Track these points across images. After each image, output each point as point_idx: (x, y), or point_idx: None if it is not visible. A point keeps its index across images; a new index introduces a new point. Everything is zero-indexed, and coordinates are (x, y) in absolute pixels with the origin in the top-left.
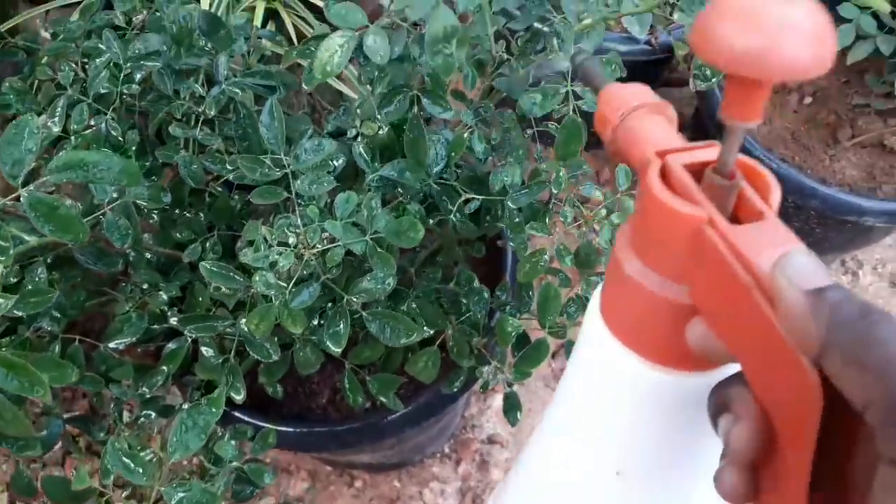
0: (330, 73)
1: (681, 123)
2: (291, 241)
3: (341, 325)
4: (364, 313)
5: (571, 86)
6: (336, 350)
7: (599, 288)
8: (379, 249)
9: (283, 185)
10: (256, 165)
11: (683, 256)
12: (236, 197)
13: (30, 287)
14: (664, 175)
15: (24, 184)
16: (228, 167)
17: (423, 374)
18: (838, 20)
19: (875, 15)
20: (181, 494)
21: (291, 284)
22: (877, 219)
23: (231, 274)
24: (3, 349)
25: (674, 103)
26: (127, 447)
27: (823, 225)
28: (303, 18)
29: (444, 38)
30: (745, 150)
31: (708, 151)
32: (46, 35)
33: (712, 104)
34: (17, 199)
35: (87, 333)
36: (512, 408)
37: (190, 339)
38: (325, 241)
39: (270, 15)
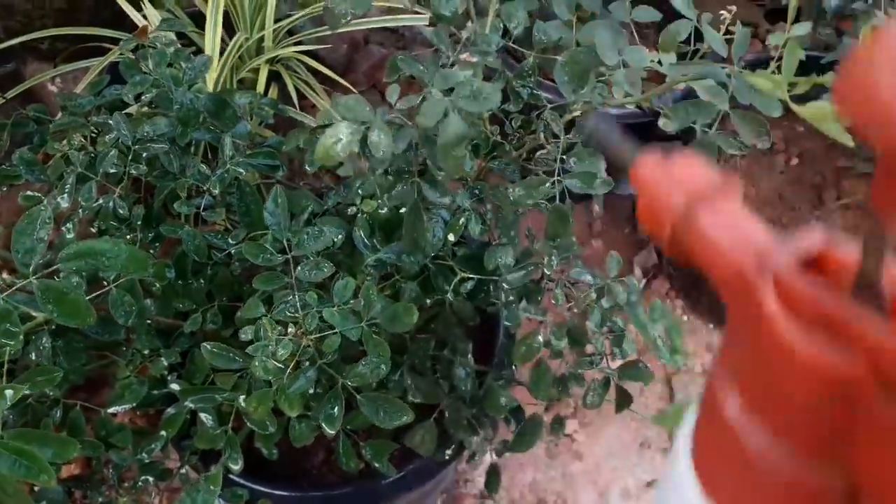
0: (331, 161)
1: None
2: (291, 330)
3: (336, 409)
4: (359, 397)
5: (558, 177)
6: (331, 432)
7: (690, 420)
8: (374, 336)
9: (284, 265)
10: (259, 251)
11: (831, 425)
12: (237, 263)
13: (33, 356)
14: (779, 295)
15: (35, 270)
16: (231, 241)
17: (422, 448)
18: (821, 89)
19: None
20: None
21: (289, 369)
22: None
23: (231, 355)
24: (7, 427)
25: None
26: None
27: None
28: (304, 81)
29: (456, 143)
30: None
31: (814, 237)
32: (54, 89)
33: None
34: (28, 284)
35: (88, 394)
36: (492, 478)
37: (189, 405)
38: (322, 328)
39: (273, 77)
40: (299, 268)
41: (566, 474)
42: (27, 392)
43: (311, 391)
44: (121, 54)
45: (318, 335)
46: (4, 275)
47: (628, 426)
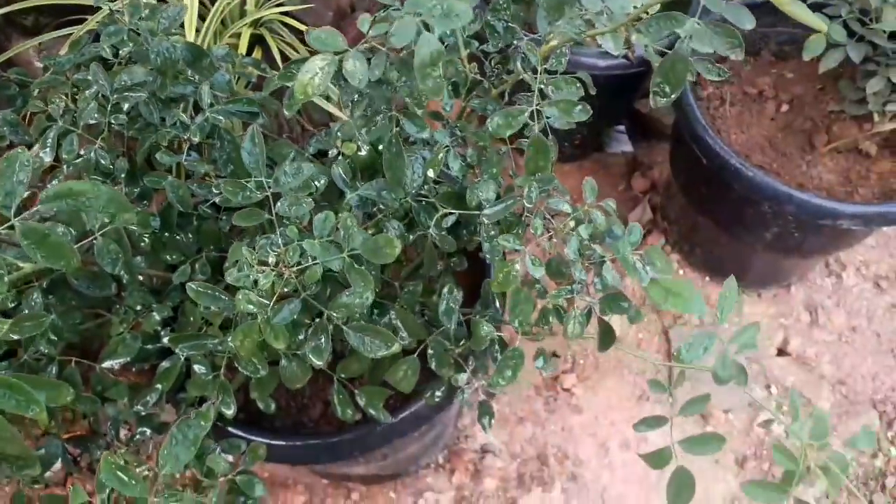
0: (310, 95)
1: (663, 133)
2: (271, 260)
3: (322, 339)
4: (345, 327)
5: (538, 105)
6: (318, 363)
7: None
8: (356, 266)
9: (266, 207)
10: (239, 189)
11: None
12: (224, 219)
13: (26, 311)
14: None
15: (17, 213)
16: (214, 191)
17: (403, 384)
18: (810, 29)
19: (845, 24)
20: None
21: (273, 302)
22: (852, 222)
23: (217, 294)
24: (2, 372)
25: (655, 112)
26: (122, 462)
27: (801, 229)
28: (289, 44)
29: (431, 62)
30: (719, 158)
31: None
32: (39, 65)
33: (688, 116)
34: (11, 227)
35: (84, 356)
36: (484, 414)
37: (183, 358)
38: (305, 260)
39: (257, 41)
40: (279, 203)
41: (565, 428)
42: (15, 337)
43: (301, 333)
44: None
45: (300, 268)
46: None
47: (625, 380)
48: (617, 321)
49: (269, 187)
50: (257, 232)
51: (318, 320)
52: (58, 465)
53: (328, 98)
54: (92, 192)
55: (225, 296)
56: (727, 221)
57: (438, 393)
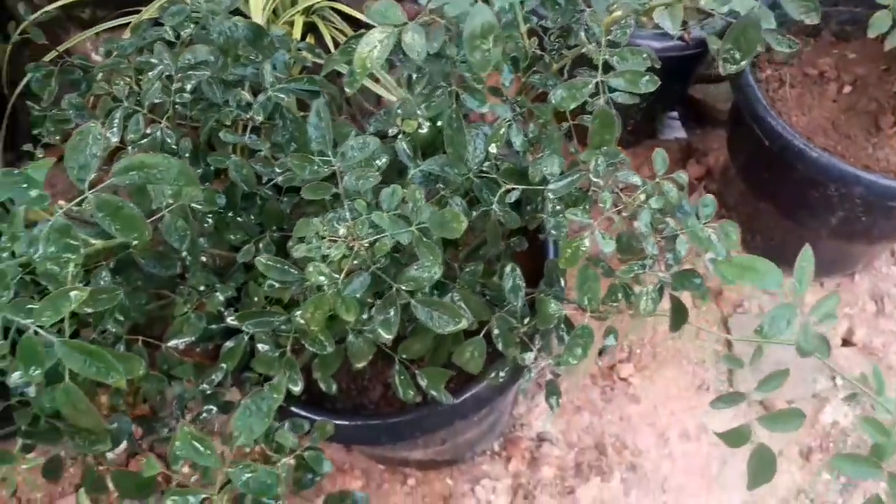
0: (369, 69)
1: (721, 121)
2: (342, 232)
3: (391, 312)
4: (412, 300)
5: (602, 77)
6: (388, 336)
7: None
8: (424, 239)
9: (331, 183)
10: (306, 164)
11: None
12: (285, 200)
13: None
14: None
15: (90, 188)
16: (277, 170)
17: (470, 364)
18: (873, 7)
19: None
20: (247, 475)
21: (343, 275)
22: None
23: (286, 267)
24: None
25: (709, 98)
26: (197, 433)
27: (869, 212)
28: (340, 31)
29: (482, 34)
30: (782, 139)
31: None
32: (97, 57)
33: (749, 97)
34: (80, 204)
35: (148, 335)
36: (552, 394)
37: (247, 338)
38: (372, 234)
39: (309, 29)
40: (346, 177)
41: (623, 417)
42: (89, 310)
43: (367, 309)
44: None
45: (369, 240)
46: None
47: (684, 369)
48: None
49: (335, 163)
50: (320, 211)
51: (387, 294)
52: (121, 447)
53: (377, 80)
54: (163, 164)
55: (294, 269)
56: (790, 206)
57: (502, 373)
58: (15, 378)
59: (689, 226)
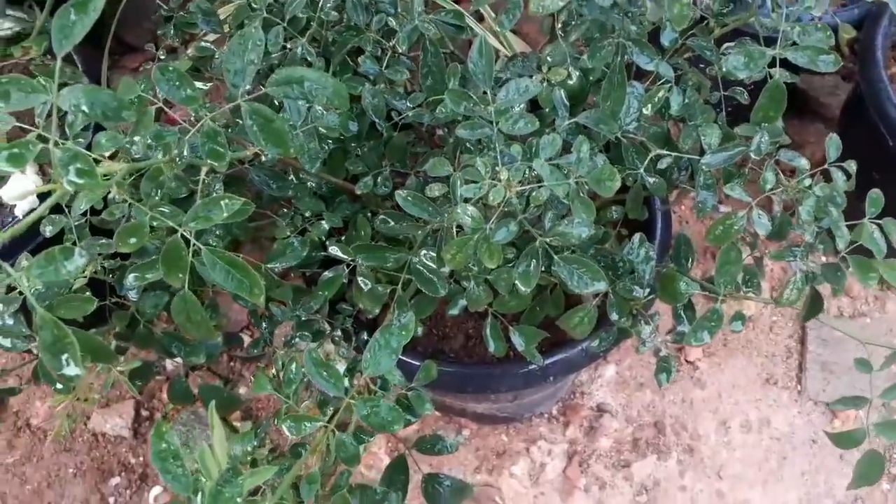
0: (549, 9)
1: (822, 114)
2: (504, 176)
3: (532, 265)
4: (556, 257)
5: (780, 50)
6: (525, 289)
7: None
8: (581, 194)
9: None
10: (462, 100)
11: None
12: (403, 137)
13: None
14: None
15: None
16: (409, 104)
17: (578, 329)
18: None
19: None
20: (370, 408)
21: (491, 221)
22: None
23: (425, 205)
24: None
25: (815, 91)
26: (320, 357)
27: None
28: None
29: None
30: None
31: None
32: None
33: (878, 93)
34: (235, 110)
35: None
36: (662, 370)
37: (347, 270)
38: (529, 181)
39: None
40: (502, 119)
41: (686, 400)
42: (223, 221)
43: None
44: None
45: (523, 188)
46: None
47: (753, 361)
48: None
49: (493, 101)
50: (438, 153)
51: (531, 246)
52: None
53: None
54: (319, 81)
55: (431, 208)
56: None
57: (605, 342)
58: (130, 280)
59: (835, 218)
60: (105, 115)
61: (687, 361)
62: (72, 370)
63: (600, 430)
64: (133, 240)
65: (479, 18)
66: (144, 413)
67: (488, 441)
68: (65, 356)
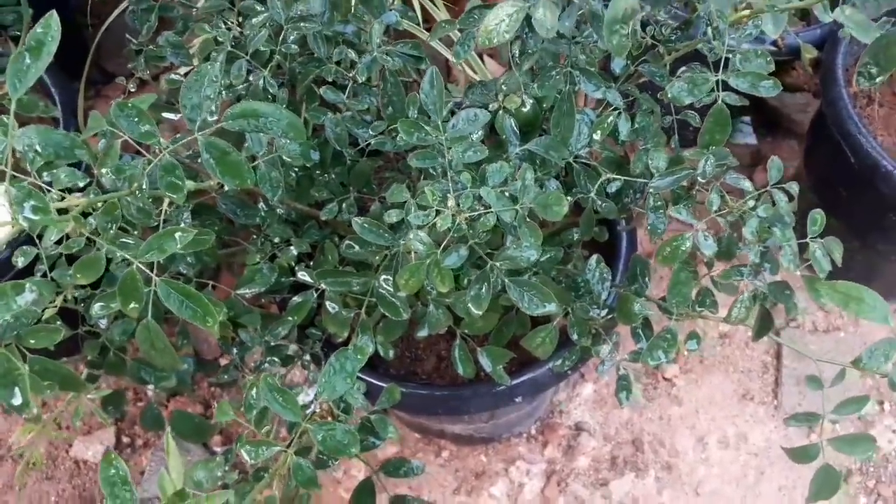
0: (493, 42)
1: (794, 131)
2: (451, 203)
3: (484, 289)
4: (507, 280)
5: (722, 75)
6: (477, 312)
7: None
8: (528, 219)
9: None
10: (415, 129)
11: None
12: (368, 163)
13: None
14: None
15: (200, 127)
16: (371, 132)
17: (540, 350)
18: None
19: None
20: (324, 432)
21: (442, 247)
22: None
23: (381, 231)
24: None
25: (785, 107)
26: (278, 384)
27: None
28: (432, 1)
29: (623, 19)
30: (871, 158)
31: None
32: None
33: (840, 112)
34: (188, 145)
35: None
36: (623, 388)
37: (315, 295)
38: (477, 208)
39: None
40: (454, 149)
41: (663, 417)
42: (180, 252)
43: (460, 272)
44: None
45: (472, 215)
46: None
47: (730, 377)
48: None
49: (444, 131)
50: (401, 178)
51: (481, 270)
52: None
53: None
54: (274, 114)
55: (388, 234)
56: (862, 226)
57: (568, 362)
58: (96, 309)
59: (786, 238)
60: (58, 155)
61: (664, 378)
62: (17, 400)
63: (578, 448)
64: (91, 272)
65: (450, 43)
66: (125, 440)
67: (467, 462)
68: (17, 388)
